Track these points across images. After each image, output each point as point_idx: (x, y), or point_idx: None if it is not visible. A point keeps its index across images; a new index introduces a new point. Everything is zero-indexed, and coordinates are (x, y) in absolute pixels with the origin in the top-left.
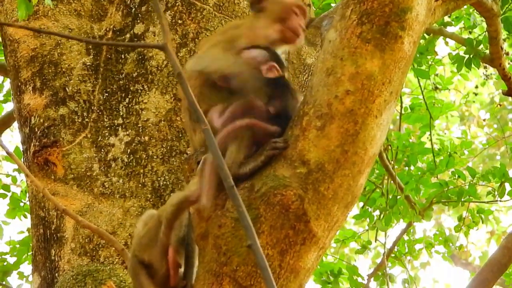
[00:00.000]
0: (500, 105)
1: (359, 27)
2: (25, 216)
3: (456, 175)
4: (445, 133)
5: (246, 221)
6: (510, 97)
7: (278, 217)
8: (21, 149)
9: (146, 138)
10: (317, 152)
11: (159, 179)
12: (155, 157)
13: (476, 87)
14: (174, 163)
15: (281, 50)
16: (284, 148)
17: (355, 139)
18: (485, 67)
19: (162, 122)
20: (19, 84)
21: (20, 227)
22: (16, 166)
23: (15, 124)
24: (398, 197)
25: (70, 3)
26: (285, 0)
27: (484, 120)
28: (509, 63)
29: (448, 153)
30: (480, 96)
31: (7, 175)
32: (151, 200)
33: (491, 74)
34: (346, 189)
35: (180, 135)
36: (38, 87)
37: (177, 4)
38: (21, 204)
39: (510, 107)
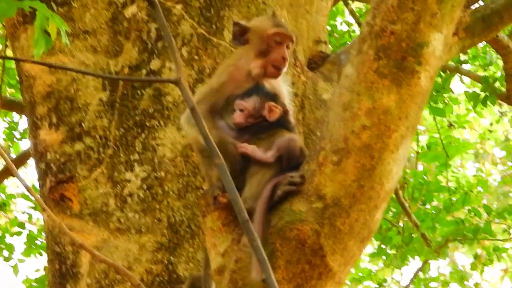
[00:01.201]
0: None
1: (376, 62)
2: (41, 254)
3: (472, 213)
4: (459, 171)
5: (261, 255)
6: None
7: (294, 252)
8: (37, 186)
9: (162, 173)
10: (333, 187)
11: (175, 214)
12: (171, 192)
13: (491, 124)
14: (190, 198)
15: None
16: (301, 184)
17: (371, 174)
18: (500, 105)
19: (178, 157)
20: (35, 120)
21: (36, 265)
22: (31, 204)
23: (29, 161)
24: (414, 235)
25: (86, 39)
26: (265, 30)
27: (501, 158)
28: None
29: (464, 191)
30: (495, 134)
31: (23, 212)
32: (166, 235)
33: (506, 111)
34: (362, 223)
35: (196, 171)
36: (54, 123)
37: (193, 39)
38: (38, 242)
39: None
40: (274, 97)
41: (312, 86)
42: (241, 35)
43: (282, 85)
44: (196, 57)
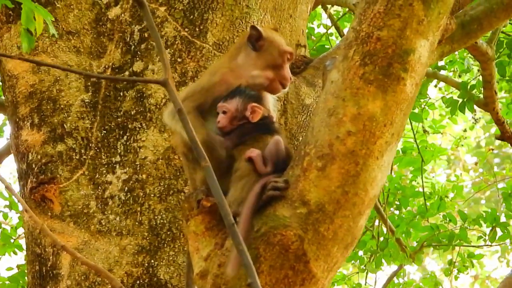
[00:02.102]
0: (492, 149)
1: (361, 68)
2: (15, 253)
3: (448, 219)
4: (432, 177)
5: (247, 260)
6: (498, 141)
7: (278, 257)
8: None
9: (144, 176)
10: (317, 193)
11: (156, 217)
12: (152, 195)
13: (465, 130)
14: (172, 201)
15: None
16: (285, 189)
17: (356, 180)
18: (473, 111)
19: (160, 160)
20: (17, 120)
21: (9, 263)
22: (7, 202)
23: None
24: (389, 239)
25: (69, 40)
26: (282, 45)
27: (475, 163)
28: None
29: (439, 197)
30: (467, 140)
31: None
32: (148, 238)
33: (479, 118)
34: (346, 230)
35: (178, 174)
36: (36, 123)
37: (176, 42)
38: (12, 240)
39: (496, 152)
40: (257, 98)
41: (294, 90)
42: (256, 40)
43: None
44: (179, 59)
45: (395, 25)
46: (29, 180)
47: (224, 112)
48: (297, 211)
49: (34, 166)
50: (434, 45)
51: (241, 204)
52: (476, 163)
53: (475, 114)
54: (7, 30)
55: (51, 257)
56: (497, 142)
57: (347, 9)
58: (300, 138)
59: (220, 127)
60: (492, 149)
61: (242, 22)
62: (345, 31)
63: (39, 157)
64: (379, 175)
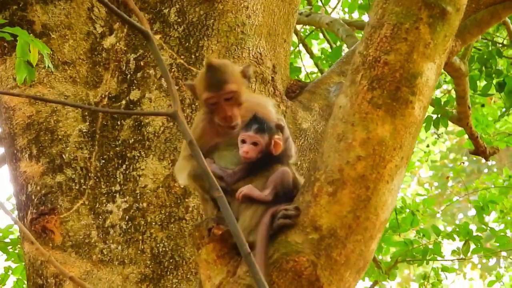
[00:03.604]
0: (463, 163)
1: (369, 93)
2: None
3: (421, 234)
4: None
5: None
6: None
7: (291, 284)
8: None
9: (144, 204)
10: (329, 218)
11: (158, 245)
12: (153, 223)
13: (427, 146)
14: (173, 229)
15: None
16: (296, 216)
17: (367, 205)
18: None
19: (160, 188)
20: (15, 151)
21: None
22: None
23: None
24: None
25: (65, 70)
26: (200, 94)
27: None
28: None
29: (411, 211)
30: (431, 156)
31: None
32: (150, 266)
33: (441, 133)
34: (358, 254)
35: (179, 201)
36: (35, 155)
37: (172, 70)
38: None
39: (451, 165)
40: (281, 128)
41: (291, 115)
42: (195, 93)
43: (272, 111)
44: (176, 87)
45: (402, 49)
46: (29, 212)
47: (255, 144)
48: (309, 236)
49: (33, 197)
50: (440, 67)
51: (251, 233)
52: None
53: (437, 129)
54: (2, 62)
55: None
56: (451, 155)
57: (313, 27)
58: (299, 163)
59: (247, 157)
60: (463, 163)
61: (238, 48)
62: (313, 49)
63: (38, 188)
64: (390, 199)
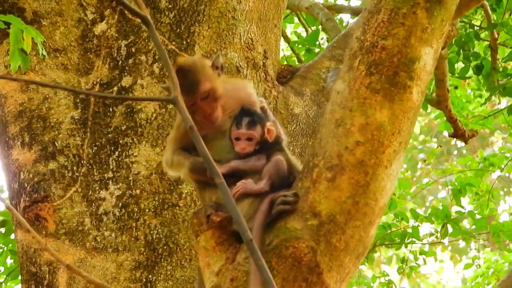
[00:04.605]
0: (441, 146)
1: (367, 78)
2: None
3: (400, 217)
4: None
5: (267, 275)
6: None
7: (291, 270)
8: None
9: (138, 191)
10: (328, 204)
11: (152, 232)
12: (147, 210)
13: None
14: (167, 216)
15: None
16: (294, 203)
17: (366, 190)
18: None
19: (153, 175)
20: (7, 139)
21: None
22: None
23: None
24: None
25: (56, 57)
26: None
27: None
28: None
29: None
30: None
31: None
32: (144, 253)
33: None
34: (357, 240)
35: (172, 188)
36: (27, 142)
37: None
38: None
39: (420, 147)
40: (264, 111)
41: (283, 100)
42: None
43: (253, 92)
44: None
45: (399, 33)
46: (22, 199)
47: (249, 139)
48: (308, 223)
49: (26, 185)
50: (438, 52)
51: (249, 220)
52: (424, 160)
53: None
54: None
55: (47, 276)
56: (421, 137)
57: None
58: (291, 148)
59: (244, 153)
60: (441, 146)
61: (229, 34)
62: (287, 31)
63: (31, 175)
64: (388, 184)
